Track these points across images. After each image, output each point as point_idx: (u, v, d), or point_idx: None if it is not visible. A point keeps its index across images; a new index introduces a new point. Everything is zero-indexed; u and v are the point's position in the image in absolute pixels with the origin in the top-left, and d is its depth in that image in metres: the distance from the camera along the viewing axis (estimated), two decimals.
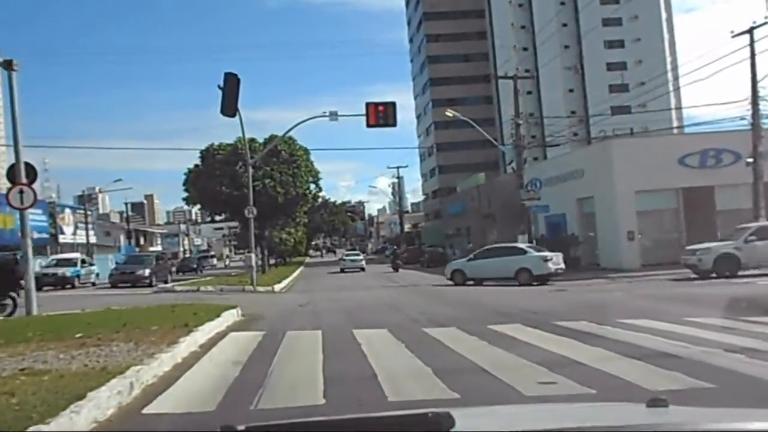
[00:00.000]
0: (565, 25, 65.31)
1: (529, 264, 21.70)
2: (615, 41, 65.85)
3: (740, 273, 19.10)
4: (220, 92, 19.27)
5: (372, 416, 2.35)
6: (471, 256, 24.61)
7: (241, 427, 1.65)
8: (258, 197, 30.24)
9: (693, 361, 6.42)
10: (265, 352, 7.95)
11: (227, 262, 67.16)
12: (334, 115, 22.69)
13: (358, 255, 46.73)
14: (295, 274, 37.96)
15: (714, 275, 19.26)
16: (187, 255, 65.00)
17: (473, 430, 1.85)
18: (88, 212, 54.16)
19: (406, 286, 24.01)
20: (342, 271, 41.62)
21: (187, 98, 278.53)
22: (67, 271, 29.66)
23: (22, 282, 13.46)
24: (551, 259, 21.71)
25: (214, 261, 65.93)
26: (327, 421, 2.41)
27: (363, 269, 41.84)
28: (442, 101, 63.31)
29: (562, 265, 22.22)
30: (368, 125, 20.25)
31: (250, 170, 25.78)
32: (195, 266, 48.81)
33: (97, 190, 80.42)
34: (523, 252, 22.48)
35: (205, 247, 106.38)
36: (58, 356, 7.12)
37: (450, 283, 23.03)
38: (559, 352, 7.24)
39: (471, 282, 22.68)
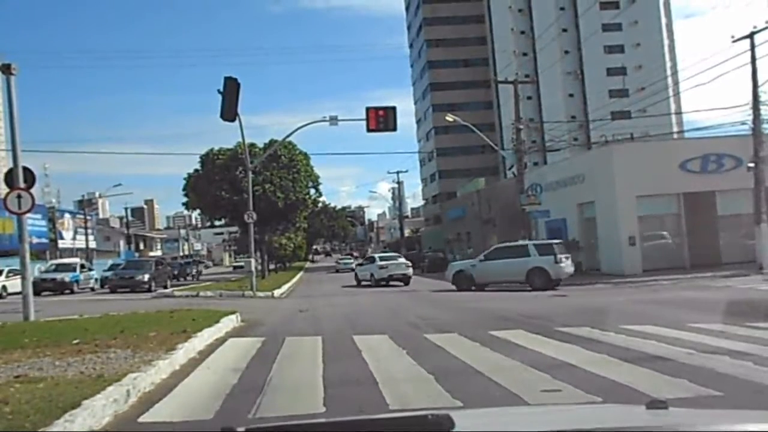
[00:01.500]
0: (565, 30, 65.40)
1: (373, 270, 29.20)
2: (615, 46, 65.92)
3: (473, 288, 21.97)
4: (221, 96, 19.23)
5: (372, 418, 2.31)
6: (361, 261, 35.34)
7: (241, 429, 1.63)
8: (258, 202, 30.21)
9: (699, 368, 6.33)
10: (265, 359, 7.86)
11: (195, 271, 50.51)
12: (334, 120, 22.64)
13: (349, 259, 58.94)
14: (294, 279, 37.91)
15: (455, 288, 22.41)
16: (167, 260, 54.83)
17: (473, 431, 1.83)
18: (88, 217, 54.12)
19: (406, 291, 23.92)
20: (337, 271, 52.24)
21: (190, 102, 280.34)
22: (66, 276, 29.52)
23: None
24: (386, 267, 28.87)
25: (202, 268, 57.05)
26: (327, 423, 2.38)
27: (353, 269, 49.26)
28: (442, 106, 63.24)
29: (406, 272, 28.84)
30: (368, 130, 20.18)
31: (250, 175, 25.71)
32: (176, 272, 44.18)
33: (97, 195, 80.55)
34: (374, 260, 30.45)
35: (204, 252, 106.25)
36: (54, 363, 7.03)
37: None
38: (562, 358, 7.15)
39: (365, 283, 29.31)
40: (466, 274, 22.63)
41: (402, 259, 30.57)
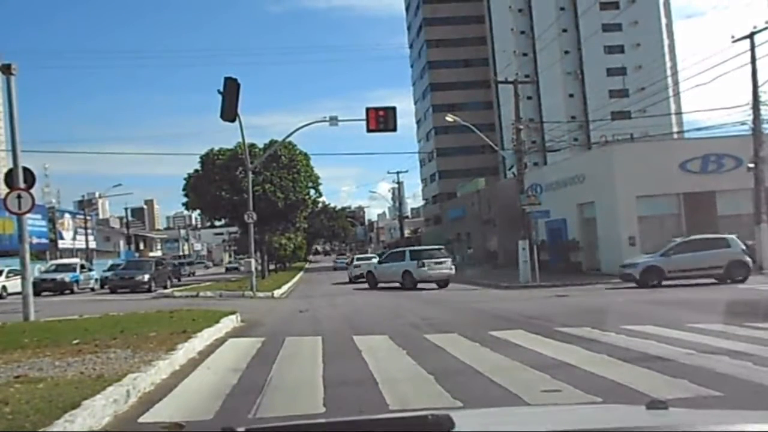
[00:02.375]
0: (565, 30, 65.37)
1: (350, 269, 34.98)
2: (615, 46, 65.90)
3: (379, 285, 26.20)
4: (221, 97, 19.23)
5: (372, 418, 2.30)
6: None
7: (241, 429, 1.64)
8: (258, 202, 30.19)
9: (699, 369, 6.33)
10: (265, 359, 7.86)
11: (177, 273, 39.83)
12: (334, 120, 22.61)
13: (346, 258, 62.69)
14: (294, 280, 37.87)
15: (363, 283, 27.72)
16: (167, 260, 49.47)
17: (473, 431, 1.83)
18: (88, 217, 54.09)
19: (405, 291, 23.90)
20: (335, 269, 55.49)
21: (190, 102, 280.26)
22: (66, 277, 29.52)
23: None
24: (360, 266, 33.23)
25: (197, 268, 55.64)
26: (327, 423, 2.37)
27: (346, 267, 53.52)
28: (442, 106, 63.22)
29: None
30: (368, 130, 20.17)
31: (250, 175, 25.68)
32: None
33: (97, 195, 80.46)
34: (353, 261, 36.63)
35: (204, 252, 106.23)
36: (54, 363, 7.03)
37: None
38: (562, 358, 7.15)
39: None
40: (372, 274, 27.25)
41: (375, 260, 34.51)
